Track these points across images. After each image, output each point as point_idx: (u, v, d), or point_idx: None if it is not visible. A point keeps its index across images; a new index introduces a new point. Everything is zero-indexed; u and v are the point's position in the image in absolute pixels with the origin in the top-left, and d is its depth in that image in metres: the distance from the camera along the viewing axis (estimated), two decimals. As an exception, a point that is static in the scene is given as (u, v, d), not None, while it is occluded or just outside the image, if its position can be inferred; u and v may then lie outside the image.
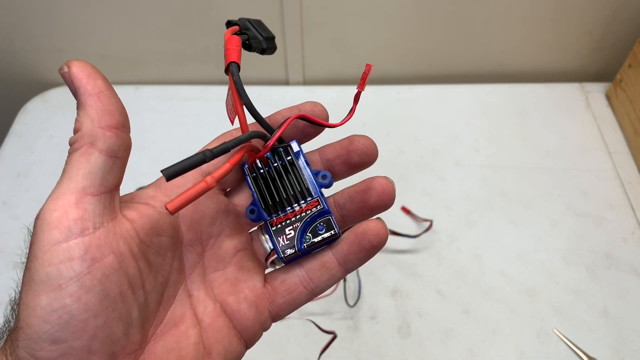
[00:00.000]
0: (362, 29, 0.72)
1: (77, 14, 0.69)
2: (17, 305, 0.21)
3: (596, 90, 0.74)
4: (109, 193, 0.22)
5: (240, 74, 0.24)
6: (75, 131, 0.22)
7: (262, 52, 0.26)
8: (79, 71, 0.21)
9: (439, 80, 0.77)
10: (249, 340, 0.26)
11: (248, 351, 0.55)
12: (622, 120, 0.70)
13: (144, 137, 0.67)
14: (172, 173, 0.20)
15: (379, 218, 0.26)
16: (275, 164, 0.26)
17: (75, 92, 0.22)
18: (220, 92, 0.74)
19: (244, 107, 0.24)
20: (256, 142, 0.25)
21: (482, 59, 0.77)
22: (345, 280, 0.55)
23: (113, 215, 0.22)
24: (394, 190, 0.25)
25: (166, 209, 0.21)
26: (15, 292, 0.23)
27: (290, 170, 0.26)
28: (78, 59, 0.22)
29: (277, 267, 0.27)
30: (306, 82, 0.78)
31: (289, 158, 0.26)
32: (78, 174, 0.21)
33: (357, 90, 0.26)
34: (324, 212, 0.25)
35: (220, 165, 0.22)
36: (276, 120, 0.26)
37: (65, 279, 0.20)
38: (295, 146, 0.26)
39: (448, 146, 0.68)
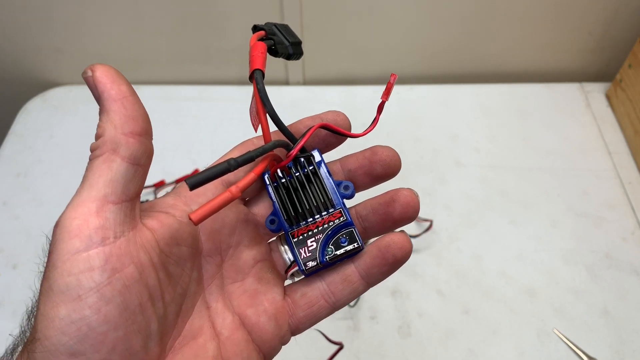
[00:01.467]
0: (362, 29, 0.72)
1: (77, 14, 0.69)
2: (34, 316, 0.20)
3: (596, 90, 0.74)
4: (130, 201, 0.21)
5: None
6: (97, 137, 0.21)
7: (289, 57, 0.26)
8: (103, 76, 0.21)
9: (439, 80, 0.77)
10: (267, 354, 0.25)
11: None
12: (622, 120, 0.70)
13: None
14: (196, 182, 0.20)
15: (402, 231, 0.25)
16: (297, 174, 0.25)
17: (98, 97, 0.21)
18: (221, 92, 0.74)
19: (267, 115, 0.23)
20: (277, 151, 0.25)
21: (482, 59, 0.77)
22: (345, 280, 0.55)
23: (134, 224, 0.21)
24: (419, 203, 0.25)
25: (190, 219, 0.20)
26: (32, 302, 0.22)
27: (313, 180, 0.25)
28: (102, 63, 0.22)
29: (297, 279, 0.26)
30: (306, 82, 0.78)
31: (311, 168, 0.25)
32: (99, 182, 0.21)
33: (381, 100, 0.25)
34: (347, 224, 0.25)
35: (243, 175, 0.22)
36: (298, 129, 0.25)
37: (85, 289, 0.19)
38: (317, 156, 0.26)
39: (448, 146, 0.68)
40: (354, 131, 0.26)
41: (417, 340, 0.53)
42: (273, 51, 0.25)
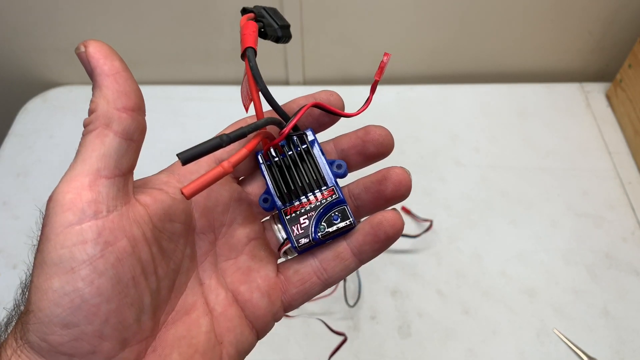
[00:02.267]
0: (362, 29, 0.72)
1: (77, 14, 0.69)
2: (28, 288, 0.21)
3: (596, 90, 0.74)
4: (123, 176, 0.21)
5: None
6: (90, 112, 0.21)
7: (277, 40, 0.26)
8: (96, 51, 0.21)
9: (439, 80, 0.77)
10: (260, 330, 0.26)
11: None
12: (622, 120, 0.70)
13: (144, 137, 0.67)
14: (188, 157, 0.20)
15: (394, 209, 0.25)
16: (290, 152, 0.25)
17: (91, 73, 0.21)
18: (221, 92, 0.74)
19: (260, 93, 0.23)
20: (271, 130, 0.25)
21: (482, 59, 0.77)
22: (345, 280, 0.55)
23: (127, 199, 0.21)
24: (411, 181, 0.25)
25: (182, 193, 0.20)
26: (26, 275, 0.22)
27: (306, 159, 0.25)
28: (95, 39, 0.22)
29: (290, 257, 0.26)
30: (306, 82, 0.78)
31: (304, 146, 0.25)
32: (92, 156, 0.21)
33: (374, 80, 0.25)
34: (339, 202, 0.25)
35: (236, 151, 0.22)
36: (291, 109, 0.25)
37: (78, 262, 0.20)
38: (310, 135, 0.26)
39: (448, 146, 0.68)
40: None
41: (417, 340, 0.53)
42: (262, 34, 0.25)
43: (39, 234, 0.21)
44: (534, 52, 0.76)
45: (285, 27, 0.25)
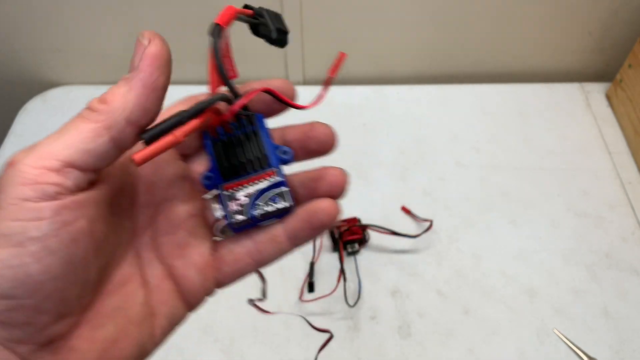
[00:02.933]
0: (363, 29, 0.72)
1: (77, 14, 0.68)
2: None
3: (596, 90, 0.74)
4: (95, 172, 0.21)
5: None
6: (104, 101, 0.21)
7: (271, 41, 0.26)
8: (154, 56, 0.21)
9: (439, 80, 0.77)
10: (192, 304, 0.26)
11: (248, 351, 0.55)
12: (622, 120, 0.70)
13: (144, 137, 0.67)
14: (152, 136, 0.20)
15: (330, 198, 0.25)
16: (237, 132, 0.25)
17: (134, 68, 0.21)
18: (220, 92, 0.74)
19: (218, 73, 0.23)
20: (222, 108, 0.25)
21: (482, 59, 0.77)
22: (345, 280, 0.55)
23: (90, 184, 0.21)
24: (346, 183, 0.25)
25: (132, 159, 0.20)
26: None
27: (252, 139, 0.25)
28: (161, 38, 0.21)
29: (227, 236, 0.27)
30: (306, 82, 0.78)
31: (253, 128, 0.25)
32: (77, 146, 0.20)
33: (328, 76, 0.25)
34: (280, 183, 0.25)
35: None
36: (245, 91, 0.26)
37: (28, 237, 0.19)
38: (259, 118, 0.26)
39: (448, 146, 0.68)
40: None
41: (417, 340, 0.53)
42: (255, 30, 0.25)
43: None
44: (534, 52, 0.76)
45: (283, 32, 0.26)
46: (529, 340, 0.53)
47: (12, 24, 0.70)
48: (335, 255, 0.57)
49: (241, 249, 0.26)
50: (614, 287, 0.56)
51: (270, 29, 0.25)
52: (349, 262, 0.57)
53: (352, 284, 0.56)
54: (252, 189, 0.25)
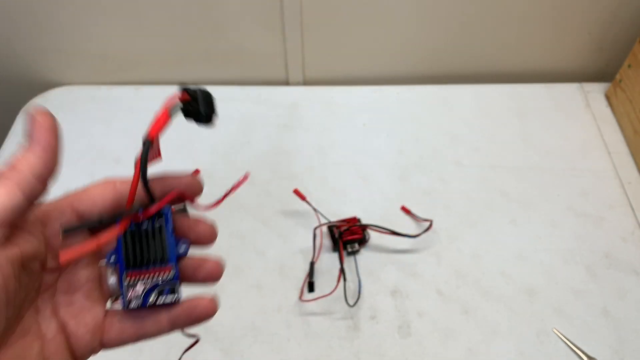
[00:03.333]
0: (363, 29, 0.72)
1: (77, 14, 0.69)
2: None
3: (596, 90, 0.75)
4: (11, 227, 0.24)
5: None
6: (11, 166, 0.24)
7: (197, 122, 0.29)
8: (43, 121, 0.24)
9: (439, 80, 0.77)
10: (79, 358, 0.29)
11: (248, 351, 0.55)
12: (621, 120, 0.70)
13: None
14: (70, 229, 0.26)
15: (212, 297, 0.29)
16: (146, 227, 0.29)
17: (29, 136, 0.24)
18: (221, 93, 0.73)
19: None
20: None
21: (482, 59, 0.77)
22: (345, 280, 0.55)
23: (6, 242, 0.24)
24: (222, 273, 0.30)
25: (58, 259, 0.25)
26: None
27: (157, 235, 0.29)
28: (48, 112, 0.25)
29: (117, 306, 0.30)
30: (306, 82, 0.78)
31: (160, 222, 0.29)
32: None
33: (228, 191, 0.29)
34: (174, 279, 0.29)
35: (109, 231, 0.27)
36: (164, 185, 0.29)
37: None
38: (167, 214, 0.30)
39: (448, 146, 0.68)
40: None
41: (417, 340, 0.53)
42: (185, 112, 0.29)
43: None
44: (534, 52, 0.76)
45: (209, 115, 0.29)
46: (529, 340, 0.53)
47: (12, 24, 0.70)
48: (335, 255, 0.57)
49: (127, 322, 0.29)
50: (614, 287, 0.56)
51: (200, 115, 0.29)
52: (349, 262, 0.57)
53: (352, 284, 0.56)
54: (149, 281, 0.29)
